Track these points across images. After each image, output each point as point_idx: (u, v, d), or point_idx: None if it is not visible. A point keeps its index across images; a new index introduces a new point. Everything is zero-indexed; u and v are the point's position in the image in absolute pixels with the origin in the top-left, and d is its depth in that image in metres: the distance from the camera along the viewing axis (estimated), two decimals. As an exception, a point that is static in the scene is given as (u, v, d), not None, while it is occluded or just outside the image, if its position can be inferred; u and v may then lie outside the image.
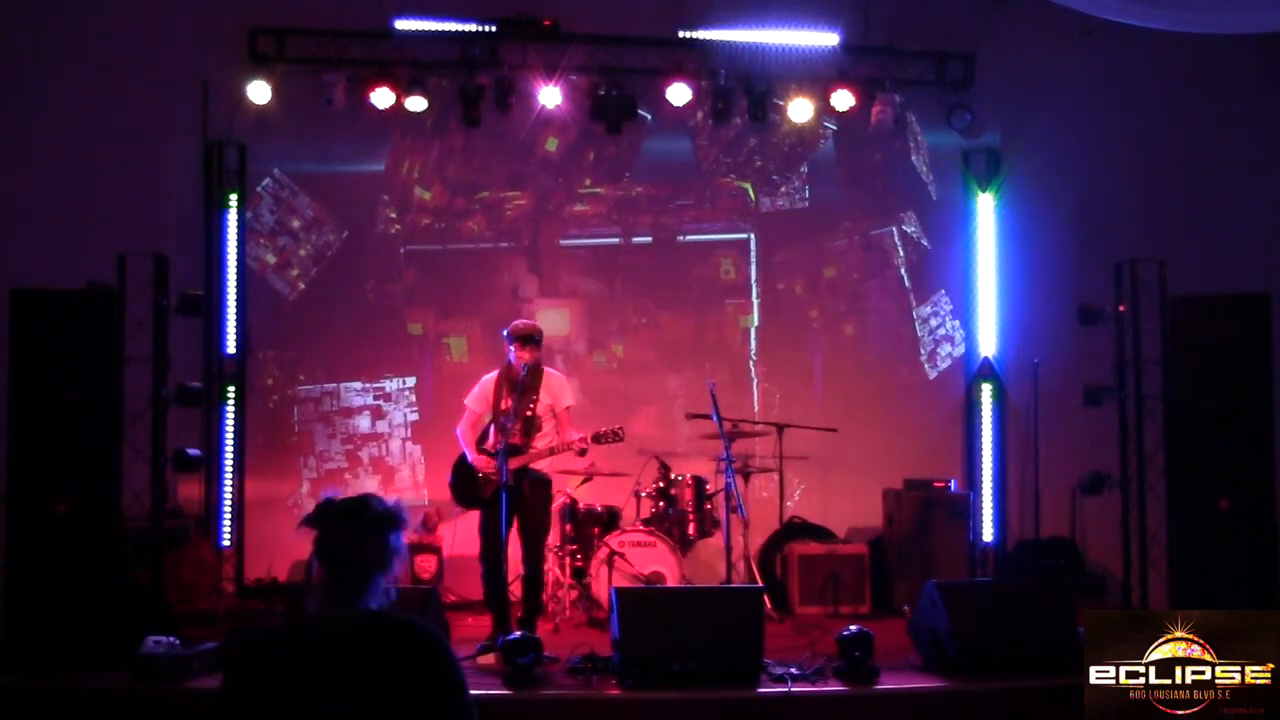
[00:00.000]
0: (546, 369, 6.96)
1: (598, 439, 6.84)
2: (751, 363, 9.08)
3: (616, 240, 9.09)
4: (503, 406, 6.75)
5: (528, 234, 9.00)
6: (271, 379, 8.76)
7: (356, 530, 2.84)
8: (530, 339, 6.79)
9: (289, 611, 6.51)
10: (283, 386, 8.78)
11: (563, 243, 9.05)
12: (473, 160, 8.96)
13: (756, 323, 9.14)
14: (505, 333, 6.91)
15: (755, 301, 9.14)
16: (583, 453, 6.91)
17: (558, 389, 6.90)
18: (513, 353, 6.82)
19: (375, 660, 2.66)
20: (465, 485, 6.95)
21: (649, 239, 9.10)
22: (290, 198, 8.82)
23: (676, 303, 9.10)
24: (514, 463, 6.67)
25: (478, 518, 7.19)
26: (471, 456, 6.86)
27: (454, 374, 8.59)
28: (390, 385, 8.86)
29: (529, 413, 6.78)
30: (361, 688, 2.63)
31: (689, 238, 9.11)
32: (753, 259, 9.14)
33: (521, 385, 6.77)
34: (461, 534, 7.95)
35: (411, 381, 8.88)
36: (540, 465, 6.84)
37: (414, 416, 8.87)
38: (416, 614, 5.62)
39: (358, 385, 8.84)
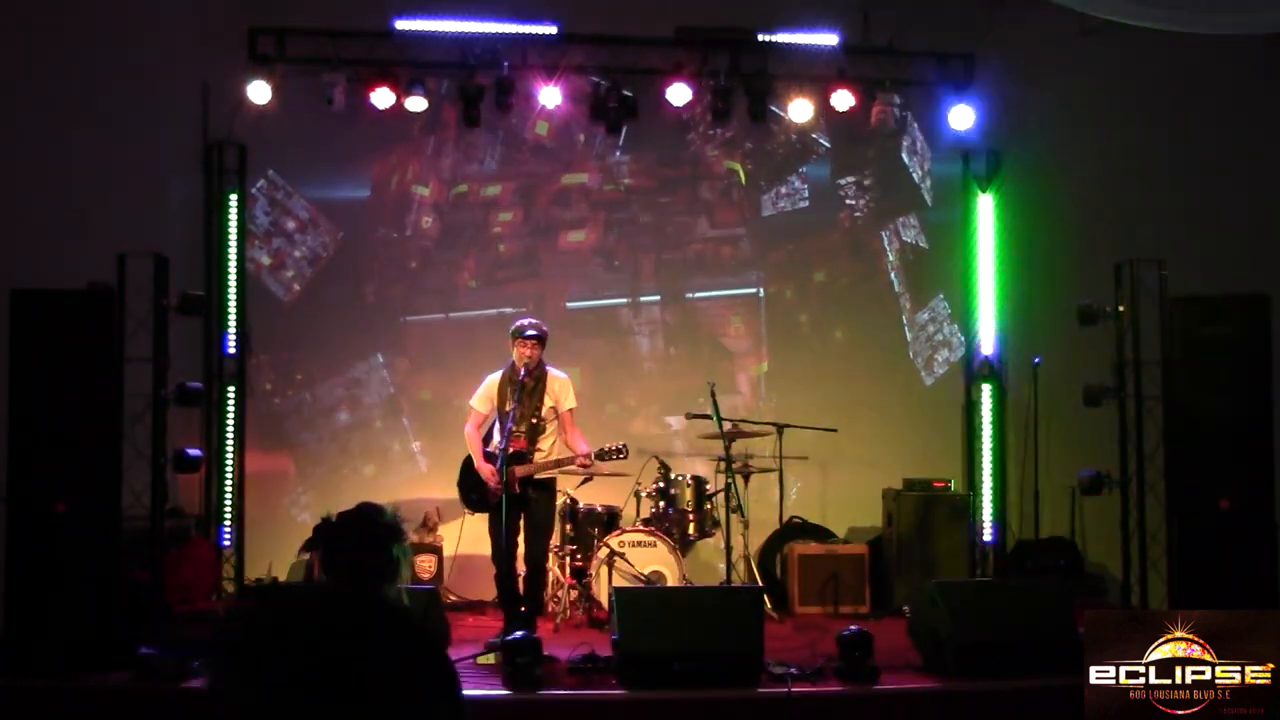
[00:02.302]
0: (550, 369, 6.95)
1: (601, 456, 6.88)
2: (760, 404, 9.00)
3: (624, 300, 9.02)
4: (507, 409, 6.76)
5: (531, 296, 8.83)
6: (270, 384, 8.74)
7: (356, 547, 2.85)
8: (533, 336, 6.78)
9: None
10: (281, 390, 8.75)
11: (569, 305, 8.94)
12: (470, 155, 8.92)
13: (766, 369, 9.10)
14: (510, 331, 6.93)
15: (765, 349, 9.08)
16: (585, 469, 6.95)
17: (560, 391, 6.91)
18: (515, 351, 6.83)
19: (368, 644, 2.67)
20: (473, 490, 6.99)
21: (657, 297, 9.03)
22: (285, 199, 8.80)
23: (686, 357, 9.03)
24: (520, 471, 6.71)
25: (478, 519, 7.21)
26: (479, 464, 6.88)
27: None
28: (357, 370, 8.81)
29: (534, 420, 6.80)
30: (353, 670, 2.63)
31: (698, 294, 9.02)
32: (762, 312, 9.09)
33: (525, 386, 6.77)
34: (463, 535, 7.95)
35: (379, 359, 8.82)
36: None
37: (390, 391, 8.82)
38: (416, 614, 5.62)
39: (328, 382, 8.80)
